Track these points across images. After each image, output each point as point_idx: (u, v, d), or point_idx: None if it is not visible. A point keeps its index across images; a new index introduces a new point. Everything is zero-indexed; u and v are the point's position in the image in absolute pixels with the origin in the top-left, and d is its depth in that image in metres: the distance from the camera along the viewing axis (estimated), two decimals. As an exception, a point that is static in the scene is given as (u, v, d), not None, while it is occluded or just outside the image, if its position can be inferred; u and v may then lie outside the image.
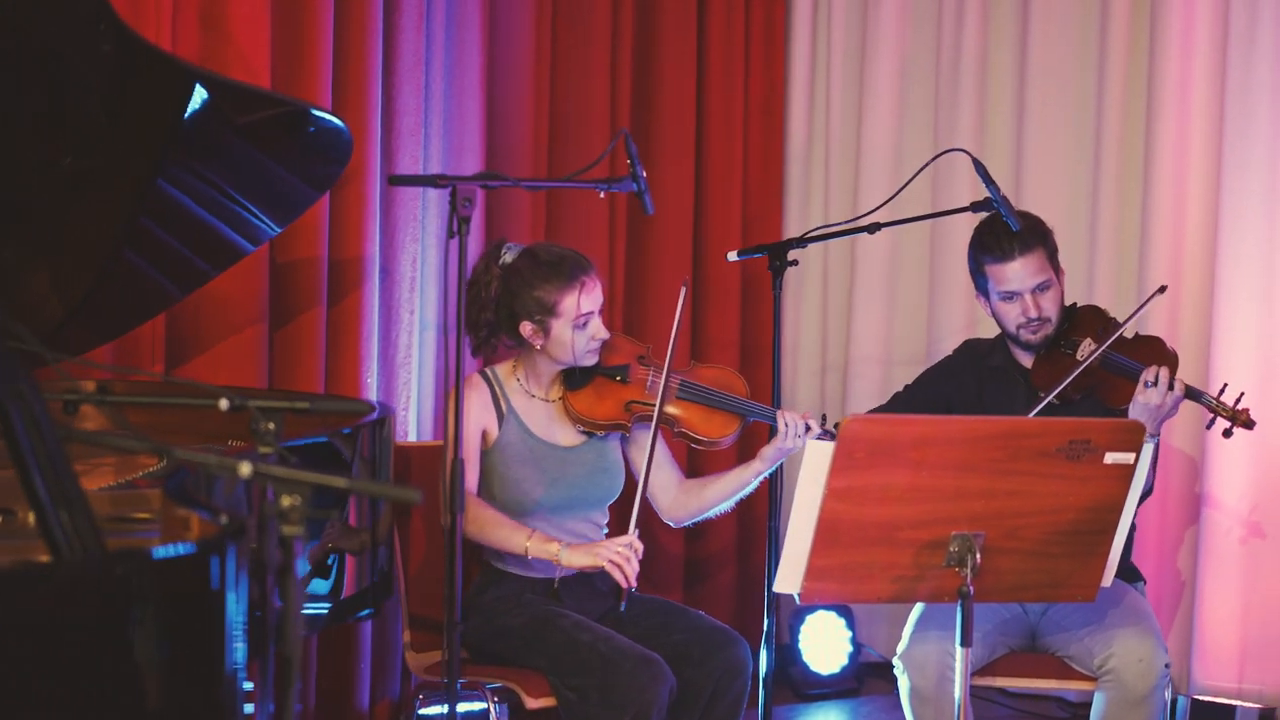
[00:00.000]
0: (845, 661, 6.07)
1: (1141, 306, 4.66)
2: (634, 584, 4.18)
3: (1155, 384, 4.29)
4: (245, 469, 2.20)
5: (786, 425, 4.30)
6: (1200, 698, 5.58)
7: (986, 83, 6.16)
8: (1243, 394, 4.41)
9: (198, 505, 2.98)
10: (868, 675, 6.18)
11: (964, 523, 3.45)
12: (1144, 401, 4.29)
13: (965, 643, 3.44)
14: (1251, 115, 5.60)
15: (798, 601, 3.57)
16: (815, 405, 6.44)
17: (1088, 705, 4.17)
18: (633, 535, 4.21)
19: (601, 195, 4.34)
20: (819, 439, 4.24)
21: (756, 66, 6.34)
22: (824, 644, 6.06)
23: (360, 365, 4.94)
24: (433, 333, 5.24)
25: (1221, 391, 4.40)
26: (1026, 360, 4.64)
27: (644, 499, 4.32)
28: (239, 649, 2.40)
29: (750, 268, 6.19)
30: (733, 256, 4.76)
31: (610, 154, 4.51)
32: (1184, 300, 5.73)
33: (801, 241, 4.61)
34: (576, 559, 4.19)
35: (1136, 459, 3.54)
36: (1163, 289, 4.60)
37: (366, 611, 4.12)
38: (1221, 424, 4.38)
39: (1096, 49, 5.94)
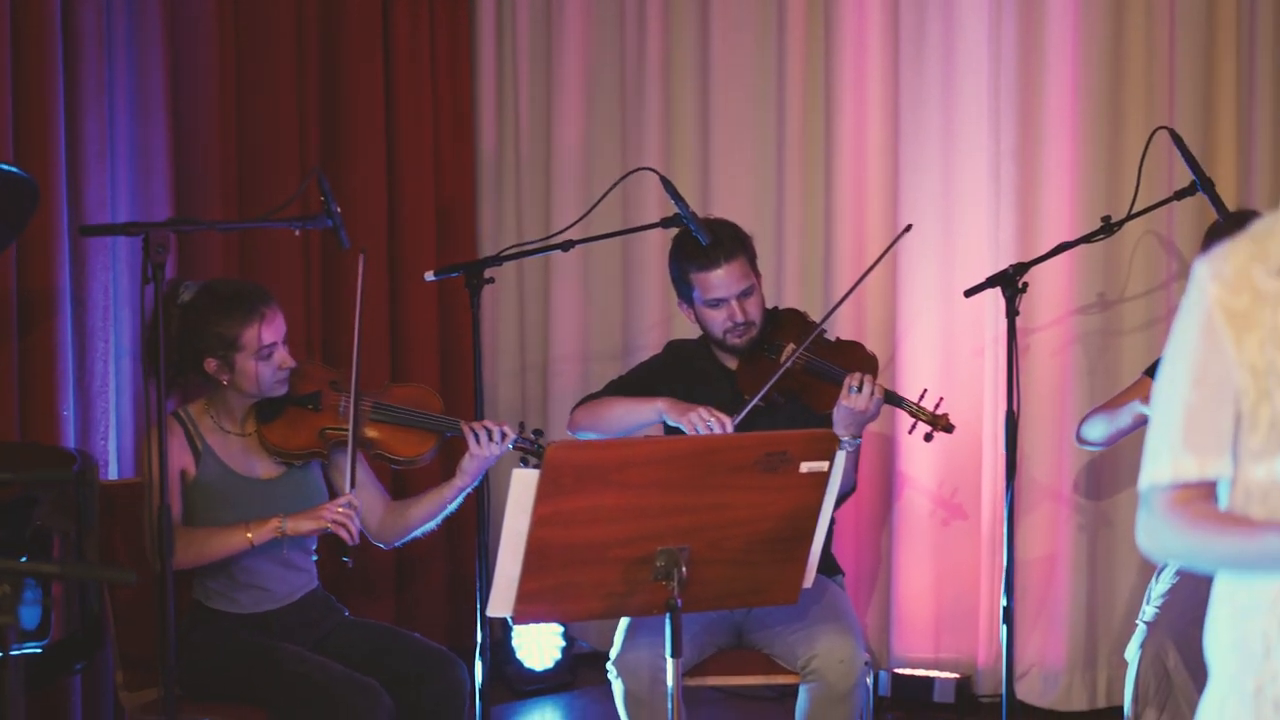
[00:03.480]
0: (558, 656, 6.17)
1: (838, 304, 4.85)
2: (356, 539, 4.21)
3: (859, 389, 4.44)
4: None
5: (477, 435, 4.36)
6: (900, 671, 5.81)
7: (671, 90, 6.30)
8: (941, 399, 4.59)
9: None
10: (581, 667, 6.29)
11: (669, 538, 3.53)
12: (848, 406, 4.45)
13: (675, 653, 3.52)
14: (924, 114, 5.84)
15: (511, 624, 3.63)
16: (516, 406, 6.52)
17: (794, 685, 4.34)
18: (351, 494, 4.24)
19: (297, 234, 4.33)
20: (519, 446, 4.32)
21: (444, 87, 6.38)
22: (537, 640, 6.15)
23: (56, 396, 4.84)
24: (129, 361, 5.17)
25: (921, 396, 4.58)
26: (732, 363, 4.78)
27: (354, 456, 4.32)
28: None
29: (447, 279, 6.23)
30: (430, 277, 4.79)
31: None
32: (869, 294, 5.94)
33: (496, 260, 4.68)
34: (301, 525, 4.21)
35: (830, 467, 3.67)
36: (859, 282, 4.79)
37: (79, 666, 4.05)
38: (922, 428, 4.56)
39: (774, 49, 6.10)
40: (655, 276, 6.25)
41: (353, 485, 4.29)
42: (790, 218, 6.08)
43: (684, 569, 3.53)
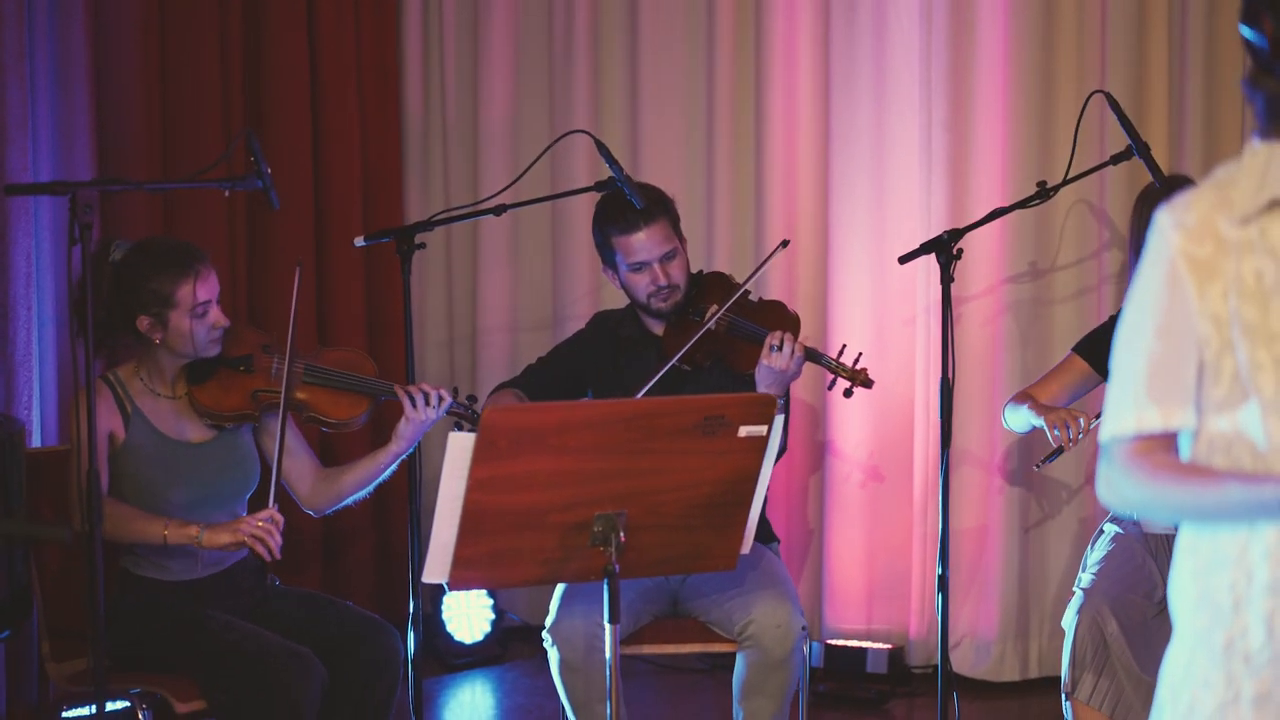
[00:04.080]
0: (488, 629, 6.13)
1: (762, 264, 4.82)
2: (278, 555, 4.13)
3: (780, 348, 4.42)
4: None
5: (413, 399, 4.32)
6: (832, 642, 5.80)
7: (599, 56, 6.25)
8: (860, 354, 4.57)
9: None
10: (511, 640, 6.26)
11: (607, 503, 3.48)
12: (768, 365, 4.42)
13: (613, 619, 3.48)
14: (855, 82, 5.83)
15: (446, 590, 3.59)
16: (445, 377, 6.47)
17: (726, 657, 4.29)
18: (273, 508, 4.15)
19: (226, 195, 4.26)
20: (454, 411, 4.28)
21: (368, 47, 6.29)
22: (466, 613, 6.10)
23: (-21, 367, 4.77)
24: (51, 329, 5.10)
25: (841, 352, 4.55)
26: (658, 329, 4.73)
27: (279, 466, 4.24)
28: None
29: (375, 246, 6.17)
30: (359, 242, 4.74)
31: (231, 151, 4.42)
32: (800, 261, 5.93)
33: (428, 225, 4.63)
34: (218, 538, 4.11)
35: (769, 431, 3.63)
36: (784, 244, 4.74)
37: (4, 635, 3.96)
38: (842, 384, 4.53)
39: (704, 14, 6.07)
40: (584, 246, 6.19)
41: (281, 446, 4.22)
42: (720, 187, 6.05)
43: (622, 534, 3.48)
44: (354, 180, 6.20)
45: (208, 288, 4.22)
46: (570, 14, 6.23)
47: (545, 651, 4.37)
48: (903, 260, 4.85)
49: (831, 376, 4.56)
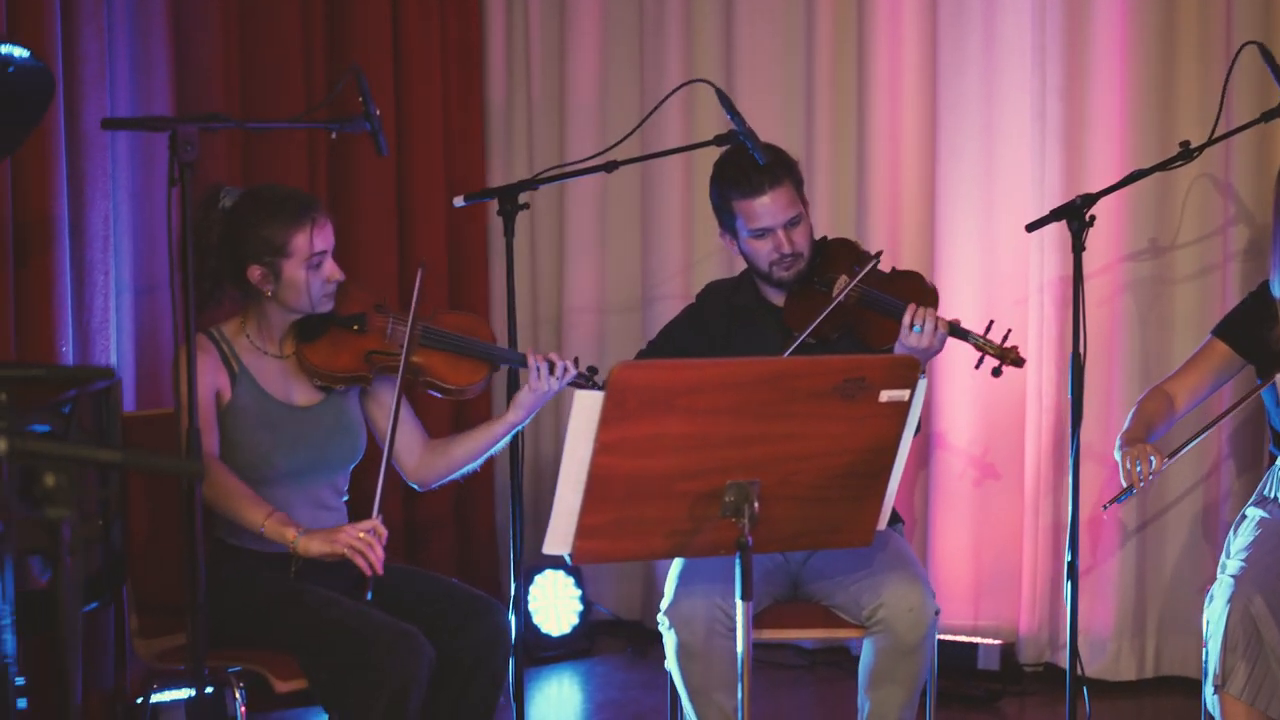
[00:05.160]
0: (576, 621, 5.89)
1: (879, 255, 4.49)
2: (380, 571, 3.84)
3: (921, 324, 4.16)
4: (1, 445, 1.88)
5: (539, 367, 4.07)
6: (941, 638, 5.51)
7: (692, 25, 5.98)
8: (1010, 330, 4.29)
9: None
10: (599, 634, 6.02)
11: (739, 471, 3.25)
12: (911, 344, 4.16)
13: (746, 596, 3.25)
14: (963, 50, 5.58)
15: (569, 562, 3.35)
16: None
17: (826, 651, 4.03)
18: (376, 520, 3.88)
19: (334, 136, 3.99)
20: (575, 382, 4.04)
21: (451, 13, 6.06)
22: (554, 604, 5.87)
23: (55, 333, 4.52)
24: (130, 295, 4.88)
25: (988, 329, 4.28)
26: (778, 299, 4.46)
27: (389, 470, 3.96)
28: (7, 640, 2.08)
29: (457, 218, 5.95)
30: (459, 202, 4.50)
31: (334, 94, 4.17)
32: (904, 240, 5.67)
33: (533, 183, 4.39)
34: (314, 546, 3.84)
35: (911, 396, 3.38)
36: (878, 255, 4.46)
37: (93, 605, 3.67)
38: (990, 362, 4.24)
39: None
40: (675, 223, 5.97)
41: (397, 414, 3.97)
42: (820, 163, 5.78)
43: (755, 505, 3.24)
44: (435, 147, 5.97)
45: (324, 237, 3.98)
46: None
47: (634, 646, 4.11)
48: (1031, 228, 4.57)
49: (979, 355, 4.28)
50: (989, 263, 5.55)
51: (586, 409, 3.17)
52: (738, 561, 3.25)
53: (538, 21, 6.19)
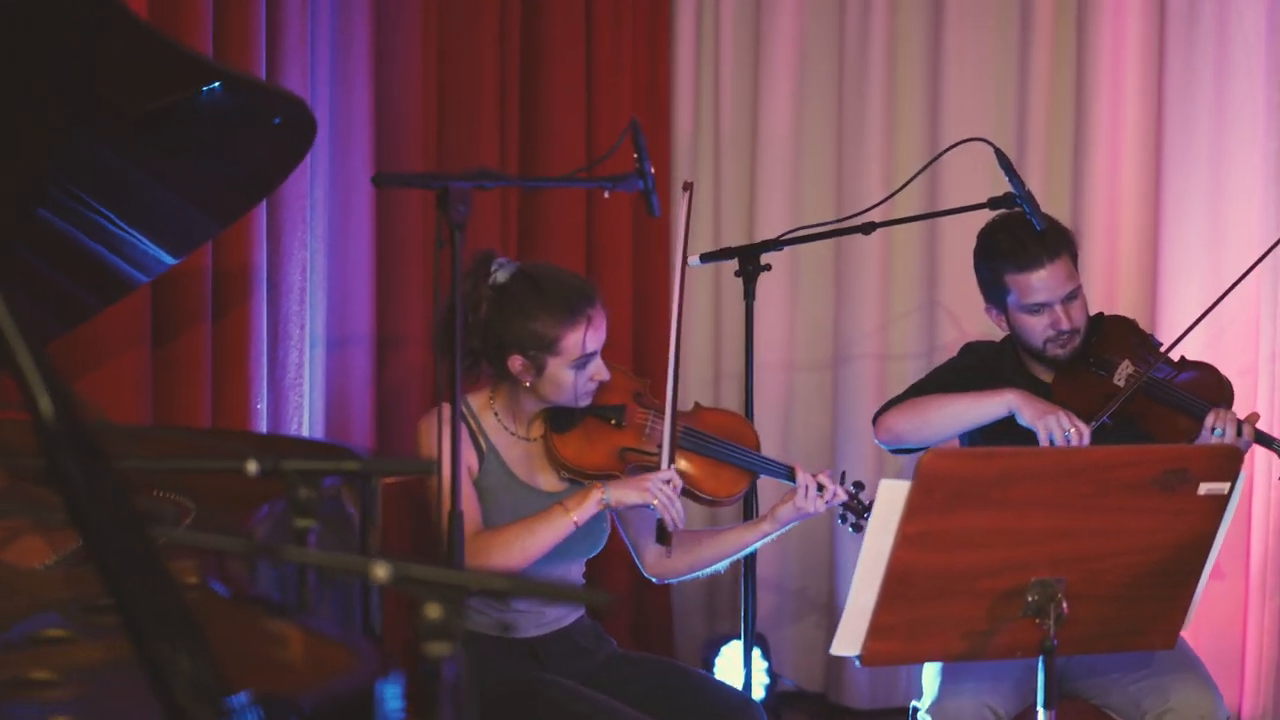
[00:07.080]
0: (763, 694, 5.59)
1: (1184, 334, 4.19)
2: (681, 525, 3.65)
3: (1224, 429, 3.88)
4: (381, 572, 1.61)
5: (807, 485, 3.79)
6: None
7: (895, 76, 5.65)
8: None
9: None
10: (784, 708, 5.75)
11: (1044, 568, 3.04)
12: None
13: (1050, 704, 3.05)
14: (1192, 87, 5.25)
15: (858, 665, 3.08)
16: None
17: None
18: (670, 470, 3.67)
19: (607, 195, 3.73)
20: (846, 505, 3.78)
21: (642, 57, 5.75)
22: (736, 677, 5.57)
23: (249, 389, 4.27)
24: (323, 350, 4.64)
25: None
26: (1044, 375, 4.19)
27: (673, 419, 3.74)
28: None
29: (641, 268, 5.65)
30: (695, 262, 4.27)
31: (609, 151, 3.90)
32: (1121, 293, 5.37)
33: (776, 244, 4.14)
34: (628, 496, 3.63)
35: (1232, 489, 3.12)
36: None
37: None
38: None
39: (1017, 30, 5.51)
40: (872, 277, 5.64)
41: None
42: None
43: (1064, 605, 3.00)
44: (623, 198, 5.68)
45: (597, 337, 3.71)
46: (865, 29, 5.66)
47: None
48: None
49: None
50: (1213, 331, 5.19)
51: (891, 499, 2.94)
52: (1041, 666, 3.02)
53: (729, 62, 5.84)
